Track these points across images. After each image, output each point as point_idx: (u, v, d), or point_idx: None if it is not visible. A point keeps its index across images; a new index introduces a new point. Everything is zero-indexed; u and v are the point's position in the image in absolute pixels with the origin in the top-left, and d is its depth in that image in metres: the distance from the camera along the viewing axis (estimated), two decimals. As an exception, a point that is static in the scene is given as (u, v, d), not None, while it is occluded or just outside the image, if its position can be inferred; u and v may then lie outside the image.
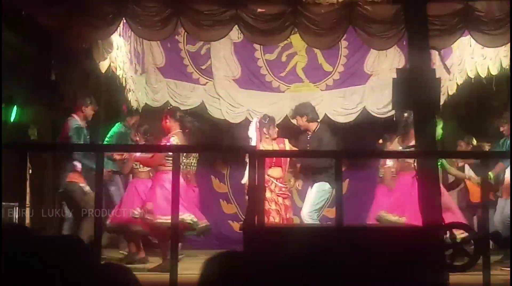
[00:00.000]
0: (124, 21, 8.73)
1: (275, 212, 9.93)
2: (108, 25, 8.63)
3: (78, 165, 9.54)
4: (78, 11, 8.33)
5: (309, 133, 10.18)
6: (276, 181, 10.08)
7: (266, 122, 10.22)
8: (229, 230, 12.13)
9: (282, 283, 2.41)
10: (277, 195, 10.02)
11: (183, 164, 10.37)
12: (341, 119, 12.13)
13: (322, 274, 2.42)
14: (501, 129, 10.09)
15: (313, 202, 9.90)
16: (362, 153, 9.98)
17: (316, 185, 9.92)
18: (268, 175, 9.85)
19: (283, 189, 10.15)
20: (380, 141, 11.36)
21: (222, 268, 2.56)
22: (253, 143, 10.05)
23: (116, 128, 10.87)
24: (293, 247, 2.58)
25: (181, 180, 9.81)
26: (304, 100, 10.82)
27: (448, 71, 9.90)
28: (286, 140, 10.36)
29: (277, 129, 10.40)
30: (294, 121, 10.53)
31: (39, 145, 9.41)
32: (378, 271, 4.99)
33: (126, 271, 2.27)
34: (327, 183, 9.75)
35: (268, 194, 9.78)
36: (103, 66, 10.00)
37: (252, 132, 10.25)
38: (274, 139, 10.25)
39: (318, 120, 10.46)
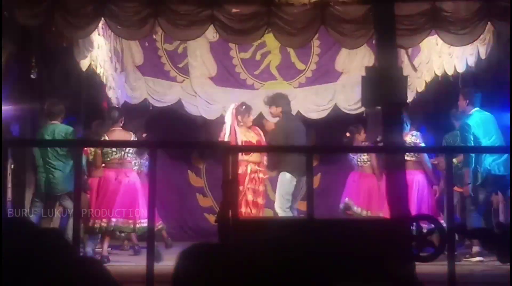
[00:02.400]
0: (104, 20, 8.73)
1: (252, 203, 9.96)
2: (87, 24, 8.61)
3: None
4: (58, 10, 8.32)
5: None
6: (255, 166, 10.10)
7: (242, 109, 10.26)
8: (205, 223, 12.13)
9: (256, 274, 2.42)
10: (256, 182, 10.03)
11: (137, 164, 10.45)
12: (314, 115, 12.16)
13: (293, 266, 2.43)
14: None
15: (278, 193, 9.96)
16: (333, 148, 10.01)
17: (280, 175, 9.97)
18: (247, 161, 9.93)
19: (261, 175, 10.16)
20: (348, 134, 11.42)
21: (196, 259, 2.57)
22: (227, 128, 10.10)
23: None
24: (265, 239, 2.58)
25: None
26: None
27: (414, 69, 9.96)
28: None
29: (252, 117, 10.45)
30: (266, 109, 10.56)
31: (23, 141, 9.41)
32: (347, 262, 5.02)
33: (99, 264, 2.28)
34: (287, 173, 9.78)
35: (247, 184, 9.84)
36: (84, 64, 9.99)
37: (228, 118, 10.25)
38: (249, 127, 10.29)
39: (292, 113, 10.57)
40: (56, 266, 2.31)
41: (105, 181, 9.74)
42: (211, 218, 11.62)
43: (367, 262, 5.40)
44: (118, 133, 9.69)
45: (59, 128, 9.52)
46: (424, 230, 5.93)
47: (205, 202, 12.92)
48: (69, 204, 9.22)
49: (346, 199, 10.99)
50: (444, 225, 6.27)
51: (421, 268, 5.96)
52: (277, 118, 10.35)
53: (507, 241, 5.33)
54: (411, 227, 6.03)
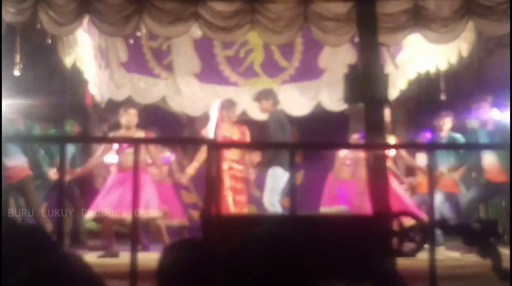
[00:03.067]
0: (88, 17, 8.72)
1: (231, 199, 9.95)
2: (72, 21, 8.60)
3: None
4: (42, 7, 8.31)
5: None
6: (234, 163, 10.09)
7: (227, 105, 10.23)
8: (189, 219, 12.12)
9: (239, 270, 2.43)
10: (234, 179, 10.02)
11: None
12: (297, 112, 12.18)
13: (275, 262, 2.43)
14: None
15: (270, 188, 9.93)
16: (315, 145, 10.00)
17: (270, 170, 9.96)
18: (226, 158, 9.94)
19: (239, 173, 10.15)
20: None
21: (180, 255, 2.57)
22: (212, 123, 10.07)
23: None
24: (249, 235, 2.58)
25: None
26: None
27: (396, 66, 10.00)
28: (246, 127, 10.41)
29: (236, 113, 10.44)
30: (256, 105, 10.51)
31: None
32: (329, 258, 5.03)
33: (79, 259, 2.27)
34: (280, 167, 9.77)
35: (226, 182, 9.81)
36: (68, 61, 9.97)
37: (214, 113, 10.21)
38: (234, 122, 10.26)
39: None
40: (36, 261, 2.30)
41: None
42: (195, 215, 11.65)
43: (349, 258, 5.42)
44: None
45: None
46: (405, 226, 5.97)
47: (189, 198, 12.93)
48: None
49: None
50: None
51: (403, 263, 5.98)
52: (266, 113, 10.32)
53: (487, 238, 5.36)
54: (392, 223, 6.06)
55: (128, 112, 9.75)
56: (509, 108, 9.31)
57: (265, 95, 10.31)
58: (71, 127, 10.89)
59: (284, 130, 9.91)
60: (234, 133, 10.19)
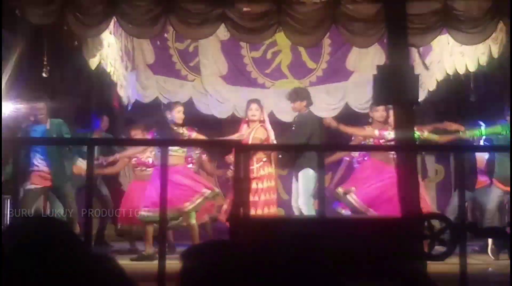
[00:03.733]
0: (115, 19, 8.76)
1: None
2: (99, 23, 8.64)
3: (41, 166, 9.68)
4: (69, 9, 8.36)
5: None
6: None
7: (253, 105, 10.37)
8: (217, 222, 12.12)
9: (266, 273, 2.42)
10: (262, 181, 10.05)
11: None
12: (325, 114, 12.09)
13: (303, 265, 2.43)
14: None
15: (303, 190, 9.94)
16: (344, 146, 10.00)
17: (301, 172, 9.96)
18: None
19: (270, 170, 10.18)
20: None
21: (206, 257, 2.56)
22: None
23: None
24: (277, 238, 2.58)
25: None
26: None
27: (426, 67, 9.96)
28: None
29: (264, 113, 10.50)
30: (290, 104, 10.52)
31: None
32: (358, 261, 5.02)
33: (112, 261, 2.28)
34: (310, 169, 9.77)
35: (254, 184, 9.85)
36: (93, 63, 10.01)
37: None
38: (262, 123, 10.30)
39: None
40: (66, 262, 2.30)
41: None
42: (223, 218, 11.65)
43: (378, 262, 5.40)
44: None
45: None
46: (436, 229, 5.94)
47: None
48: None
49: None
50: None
51: (433, 267, 5.95)
52: (297, 113, 10.36)
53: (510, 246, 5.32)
54: (423, 226, 6.03)
55: (177, 110, 10.02)
56: None
57: (298, 96, 10.35)
58: (102, 122, 11.04)
59: (314, 132, 9.95)
60: (262, 134, 10.18)
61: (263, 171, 10.04)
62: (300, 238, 2.55)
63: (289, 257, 2.45)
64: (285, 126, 11.03)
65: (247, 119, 10.38)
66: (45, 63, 9.10)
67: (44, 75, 9.11)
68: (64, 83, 11.17)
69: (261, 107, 10.36)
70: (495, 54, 9.50)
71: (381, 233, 5.68)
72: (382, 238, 5.60)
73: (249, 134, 10.11)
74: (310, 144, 9.68)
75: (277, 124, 11.12)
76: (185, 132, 9.88)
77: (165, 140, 8.72)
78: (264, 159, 10.07)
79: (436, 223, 5.76)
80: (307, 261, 2.43)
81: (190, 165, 10.66)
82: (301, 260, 2.43)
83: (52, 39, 9.19)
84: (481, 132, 10.01)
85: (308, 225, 5.98)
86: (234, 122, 12.05)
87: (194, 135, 9.92)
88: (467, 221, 6.71)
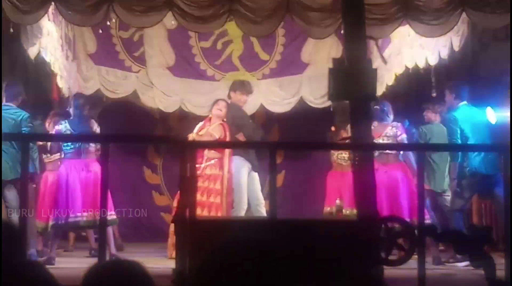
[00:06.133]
0: (54, 5, 8.65)
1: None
2: (36, 9, 8.53)
3: None
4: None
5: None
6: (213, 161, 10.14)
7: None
8: (161, 222, 12.09)
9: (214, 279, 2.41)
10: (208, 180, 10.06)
11: None
12: (278, 109, 12.16)
13: (254, 269, 2.42)
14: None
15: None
16: (297, 145, 10.02)
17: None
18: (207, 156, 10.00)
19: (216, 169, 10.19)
20: (333, 128, 11.38)
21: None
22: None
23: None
24: (225, 240, 2.56)
25: None
26: None
27: (384, 61, 9.99)
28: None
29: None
30: (236, 96, 10.62)
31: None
32: (311, 265, 5.01)
33: (41, 267, 2.24)
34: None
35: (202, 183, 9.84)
36: (33, 52, 9.86)
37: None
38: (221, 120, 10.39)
39: None
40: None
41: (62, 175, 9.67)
42: (168, 218, 11.61)
43: (332, 266, 5.41)
44: None
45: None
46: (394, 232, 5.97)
47: (161, 200, 12.88)
48: (10, 195, 9.14)
49: (338, 200, 10.83)
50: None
51: (390, 272, 5.98)
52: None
53: (480, 245, 5.37)
54: (380, 229, 6.05)
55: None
56: (508, 106, 9.31)
57: (245, 88, 10.54)
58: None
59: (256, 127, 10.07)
60: (218, 132, 10.20)
61: (209, 171, 10.04)
62: (250, 240, 2.53)
63: (238, 261, 2.43)
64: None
65: (210, 115, 10.45)
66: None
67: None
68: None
69: (228, 107, 10.45)
70: (456, 47, 9.58)
71: (336, 235, 5.70)
72: (337, 241, 5.61)
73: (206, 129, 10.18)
74: (261, 142, 9.71)
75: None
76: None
77: (106, 135, 8.65)
78: (213, 161, 10.08)
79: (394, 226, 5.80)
80: (257, 265, 2.42)
81: None
82: (251, 264, 2.41)
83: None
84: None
85: (259, 227, 5.97)
86: (181, 118, 12.06)
87: (95, 128, 9.82)
88: (426, 224, 6.72)
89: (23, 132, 9.30)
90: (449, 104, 9.98)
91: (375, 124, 9.74)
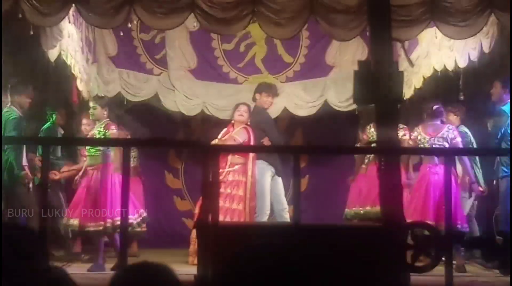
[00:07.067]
0: (74, 7, 8.69)
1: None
2: (57, 11, 8.57)
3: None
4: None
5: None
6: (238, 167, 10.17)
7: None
8: (182, 228, 12.11)
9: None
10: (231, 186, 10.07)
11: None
12: (302, 112, 12.15)
13: (277, 275, 2.43)
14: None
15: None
16: (322, 149, 10.00)
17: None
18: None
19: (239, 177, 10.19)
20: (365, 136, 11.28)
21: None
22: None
23: (46, 125, 10.88)
24: (247, 246, 2.57)
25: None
26: None
27: (411, 63, 9.98)
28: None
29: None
30: (261, 98, 10.66)
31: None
32: (337, 271, 5.02)
33: (64, 273, 2.26)
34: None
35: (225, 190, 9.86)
36: (53, 54, 9.91)
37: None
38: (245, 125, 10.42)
39: None
40: (19, 274, 2.29)
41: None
42: (189, 223, 11.63)
43: (357, 272, 5.41)
44: None
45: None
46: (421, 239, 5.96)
47: (183, 205, 12.91)
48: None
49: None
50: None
51: (416, 279, 5.97)
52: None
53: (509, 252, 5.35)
54: (406, 235, 6.04)
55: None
56: None
57: (271, 90, 10.54)
58: (56, 120, 10.92)
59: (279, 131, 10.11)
60: (241, 136, 10.21)
61: (231, 177, 10.03)
62: (273, 246, 2.55)
63: (261, 267, 2.45)
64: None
65: (233, 121, 10.47)
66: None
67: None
68: (19, 76, 11.04)
69: (250, 110, 10.46)
70: (487, 49, 9.53)
71: (361, 242, 5.69)
72: (363, 248, 5.61)
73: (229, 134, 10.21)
74: (285, 146, 9.72)
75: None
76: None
77: (127, 140, 8.68)
78: (236, 167, 10.09)
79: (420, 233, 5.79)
80: (279, 271, 2.43)
81: None
82: (274, 270, 2.43)
83: (5, 28, 9.09)
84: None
85: (282, 233, 5.97)
86: (204, 121, 12.09)
87: (115, 132, 9.65)
88: (454, 230, 6.70)
89: (12, 135, 9.46)
90: (498, 98, 9.88)
91: (432, 123, 9.80)
